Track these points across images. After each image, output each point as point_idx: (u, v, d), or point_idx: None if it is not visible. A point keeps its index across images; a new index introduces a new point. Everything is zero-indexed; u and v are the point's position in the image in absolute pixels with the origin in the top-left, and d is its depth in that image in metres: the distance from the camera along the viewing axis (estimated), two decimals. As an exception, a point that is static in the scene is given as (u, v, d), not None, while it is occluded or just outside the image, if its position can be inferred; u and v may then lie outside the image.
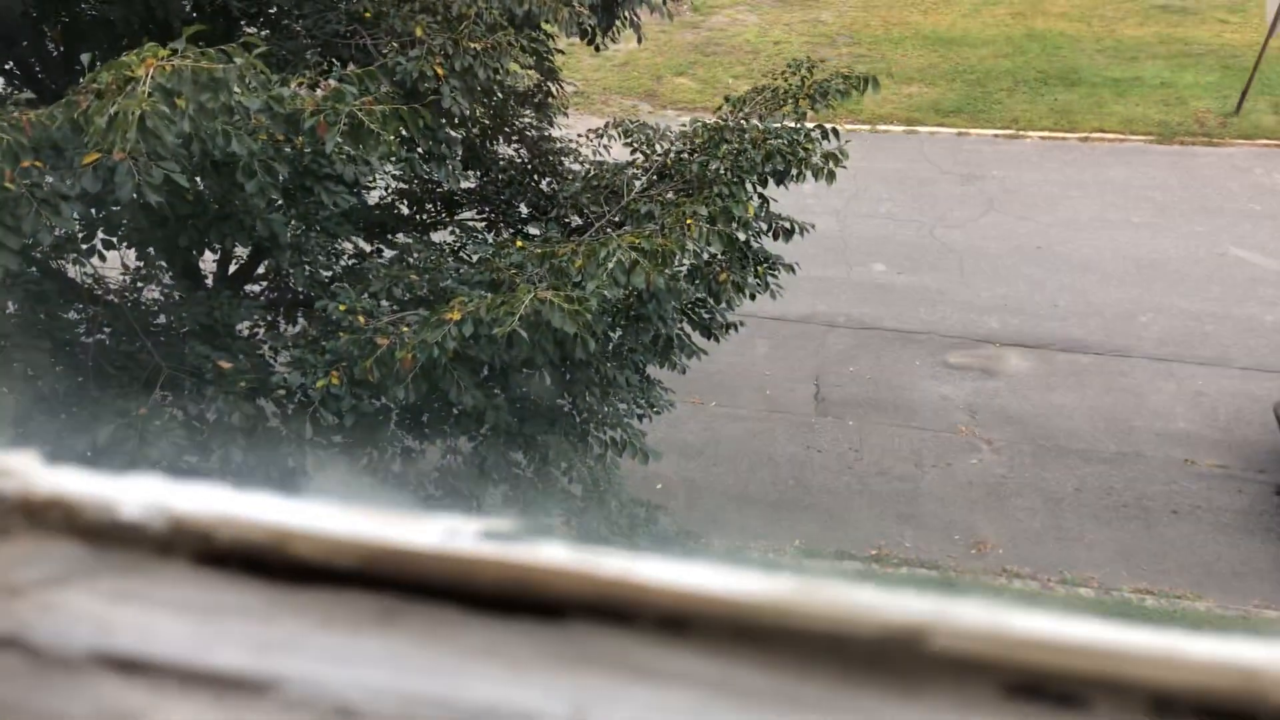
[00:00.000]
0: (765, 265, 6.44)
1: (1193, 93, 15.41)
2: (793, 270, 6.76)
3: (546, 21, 6.18)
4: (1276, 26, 13.99)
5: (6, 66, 5.91)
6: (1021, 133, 14.67)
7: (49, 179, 3.61)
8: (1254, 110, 14.72)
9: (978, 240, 12.28)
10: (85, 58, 4.35)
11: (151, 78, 3.27)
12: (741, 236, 6.04)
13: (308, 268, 5.30)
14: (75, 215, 3.61)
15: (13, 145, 3.37)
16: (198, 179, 4.43)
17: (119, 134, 3.27)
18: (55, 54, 5.76)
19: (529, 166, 7.81)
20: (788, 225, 6.36)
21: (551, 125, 8.12)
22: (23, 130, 3.51)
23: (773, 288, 6.54)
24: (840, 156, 5.85)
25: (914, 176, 13.66)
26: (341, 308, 4.55)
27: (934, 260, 12.03)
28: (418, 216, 7.74)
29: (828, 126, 6.06)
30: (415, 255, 5.93)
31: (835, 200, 11.98)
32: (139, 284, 5.62)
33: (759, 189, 6.06)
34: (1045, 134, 14.64)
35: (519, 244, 5.45)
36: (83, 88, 3.61)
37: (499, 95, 7.31)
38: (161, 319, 5.42)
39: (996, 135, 14.67)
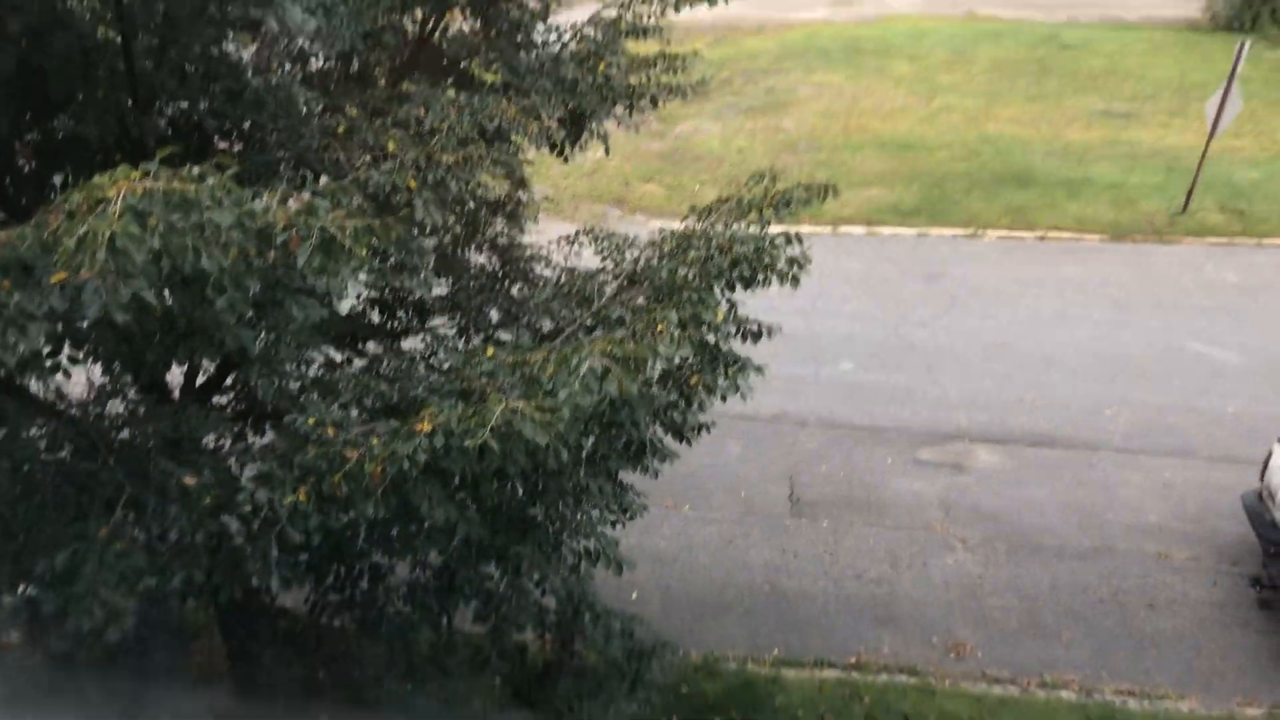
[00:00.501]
0: (735, 367, 6.48)
1: (1141, 193, 16.01)
2: (761, 372, 6.81)
3: (517, 134, 6.33)
4: (1217, 130, 14.67)
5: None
6: (980, 232, 15.10)
7: (16, 298, 3.58)
8: (1200, 209, 15.29)
9: (943, 338, 12.48)
10: (58, 178, 4.38)
11: (123, 199, 3.29)
12: (711, 339, 6.09)
13: (276, 380, 5.25)
14: (41, 335, 3.57)
15: (-20, 266, 3.36)
16: (166, 294, 4.42)
17: (88, 254, 3.27)
18: (27, 171, 5.80)
19: (500, 273, 7.89)
20: (755, 328, 6.43)
21: (522, 232, 8.24)
22: (-9, 251, 3.50)
23: (742, 389, 6.57)
24: (804, 262, 5.97)
25: (877, 276, 13.96)
26: (310, 421, 4.50)
27: (900, 358, 12.19)
28: (389, 324, 7.75)
29: (791, 232, 6.19)
30: (386, 364, 5.91)
31: (802, 301, 12.14)
32: (103, 398, 5.54)
33: (727, 294, 6.15)
34: (1003, 233, 15.07)
35: (489, 351, 5.45)
36: (54, 208, 3.62)
37: (470, 204, 7.44)
38: (125, 434, 5.32)
39: (956, 235, 15.08)
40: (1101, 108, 20.15)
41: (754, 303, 6.83)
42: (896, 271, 14.07)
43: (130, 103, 5.50)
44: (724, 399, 6.43)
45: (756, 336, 6.46)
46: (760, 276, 6.01)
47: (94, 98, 5.36)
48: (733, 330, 6.28)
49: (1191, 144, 16.94)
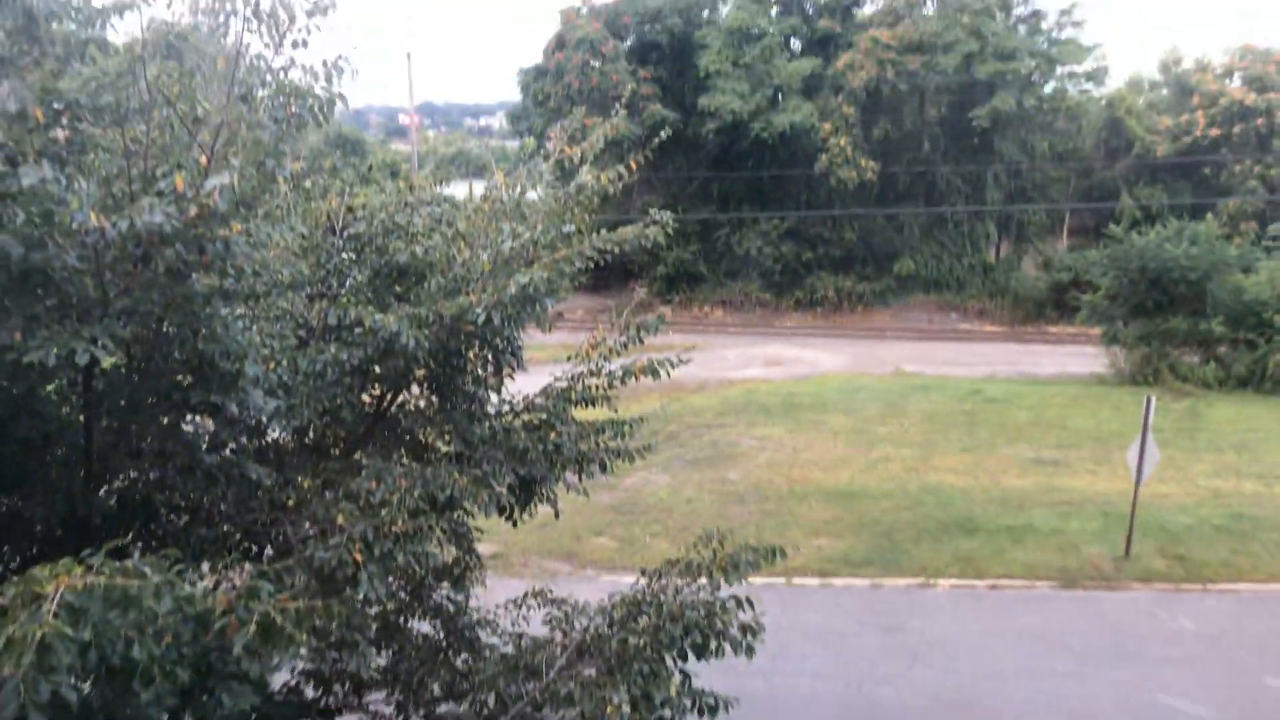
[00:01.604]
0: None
1: (1082, 538, 16.38)
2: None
3: (468, 503, 6.41)
4: (1141, 479, 15.39)
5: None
6: (931, 581, 15.12)
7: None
8: (1143, 554, 15.61)
9: (908, 695, 12.02)
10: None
11: (61, 596, 3.21)
12: (667, 715, 5.81)
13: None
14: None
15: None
16: (86, 686, 4.16)
17: (14, 656, 3.12)
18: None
19: (444, 642, 7.62)
20: (712, 701, 6.17)
21: (468, 598, 8.08)
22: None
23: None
24: (757, 629, 5.89)
25: (835, 630, 13.69)
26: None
27: None
28: (324, 700, 7.30)
29: (743, 597, 6.17)
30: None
31: (760, 659, 11.78)
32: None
33: (679, 663, 5.98)
34: (954, 582, 15.10)
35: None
36: (-16, 602, 3.50)
37: (417, 572, 7.34)
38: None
39: (909, 584, 15.07)
40: (1032, 456, 21.19)
41: (713, 664, 6.61)
42: (854, 624, 13.84)
43: (81, 481, 5.54)
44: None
45: (714, 710, 6.17)
46: (713, 644, 5.90)
47: (45, 478, 5.39)
48: (688, 705, 6.01)
49: (1120, 489, 17.67)
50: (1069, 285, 38.73)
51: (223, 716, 5.06)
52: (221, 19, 4.97)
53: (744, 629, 5.89)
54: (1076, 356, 32.85)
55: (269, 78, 4.92)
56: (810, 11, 43.28)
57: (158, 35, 5.26)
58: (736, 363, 32.92)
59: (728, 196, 44.59)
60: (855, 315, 42.19)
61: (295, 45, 4.97)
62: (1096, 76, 42.77)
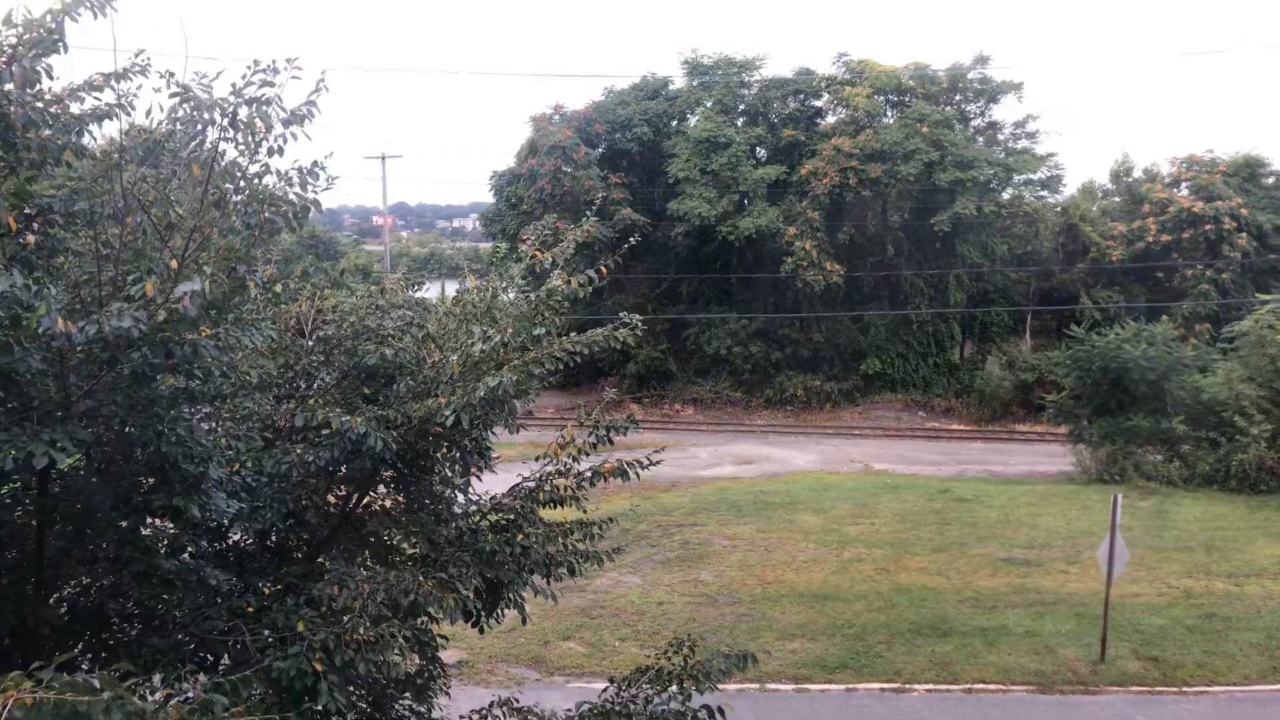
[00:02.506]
0: None
1: (1057, 640, 16.23)
2: None
3: (433, 608, 6.26)
4: (1111, 578, 15.38)
5: None
6: (907, 686, 14.85)
7: None
8: (1118, 657, 15.47)
9: (885, 807, 11.66)
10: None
11: (9, 711, 3.08)
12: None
13: None
14: None
15: None
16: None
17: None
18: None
19: (406, 759, 7.33)
20: (685, 816, 5.96)
21: (431, 709, 7.81)
22: None
23: None
24: (731, 741, 5.74)
25: (811, 738, 13.35)
26: None
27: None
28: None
29: (714, 706, 6.03)
30: None
31: (733, 769, 11.45)
32: None
33: (651, 778, 5.79)
34: (930, 686, 14.84)
35: None
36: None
37: (379, 682, 7.11)
38: None
39: (884, 689, 14.79)
40: (1003, 555, 21.14)
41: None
42: (829, 732, 13.51)
43: (31, 588, 5.37)
44: None
45: (686, 825, 5.96)
46: (685, 756, 5.72)
47: (-5, 586, 5.22)
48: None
49: (1092, 589, 17.61)
50: (1034, 384, 39.38)
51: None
52: (199, 127, 5.07)
53: (717, 742, 5.74)
54: (1044, 455, 33.16)
55: (243, 183, 5.01)
56: (775, 121, 44.82)
57: (134, 141, 5.34)
58: (708, 460, 32.86)
59: (697, 296, 45.28)
60: (824, 413, 42.46)
61: (270, 153, 5.07)
62: (1051, 185, 44.51)
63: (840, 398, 43.04)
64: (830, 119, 44.63)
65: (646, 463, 6.84)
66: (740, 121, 44.52)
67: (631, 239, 10.40)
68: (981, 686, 14.81)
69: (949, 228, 40.63)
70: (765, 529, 23.38)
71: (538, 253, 7.37)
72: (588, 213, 7.81)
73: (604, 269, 6.84)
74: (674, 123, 45.01)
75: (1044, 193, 44.77)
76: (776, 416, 42.43)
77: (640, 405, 40.16)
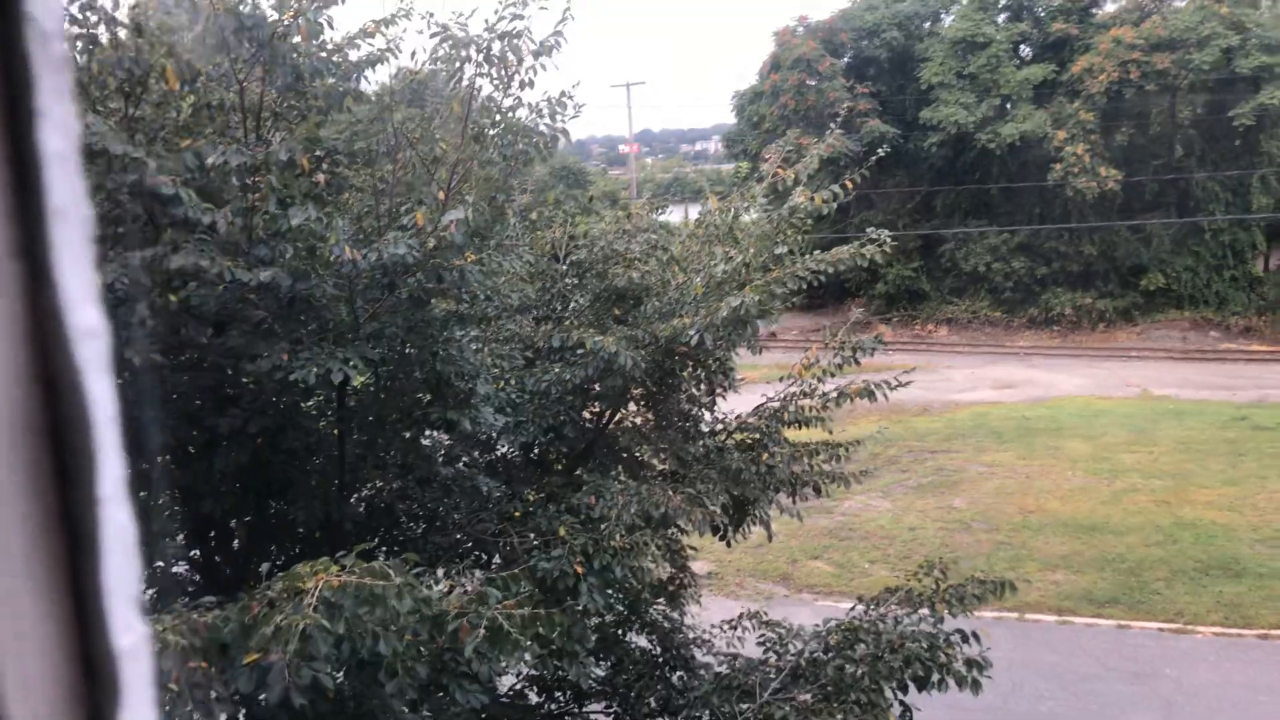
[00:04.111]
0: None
1: (1376, 586, 14.33)
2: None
3: (681, 521, 6.51)
4: None
5: (193, 555, 6.57)
6: (1189, 627, 13.71)
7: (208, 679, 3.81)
8: None
9: (1159, 750, 10.96)
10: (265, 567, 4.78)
11: (319, 592, 3.56)
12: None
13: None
14: (224, 717, 3.75)
15: (185, 649, 3.63)
16: (339, 676, 4.58)
17: (280, 643, 3.49)
18: (238, 549, 6.39)
19: (660, 658, 7.74)
20: (934, 737, 5.91)
21: (683, 615, 8.17)
22: (197, 633, 3.80)
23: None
24: (984, 664, 5.58)
25: (1074, 672, 12.71)
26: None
27: (1111, 772, 10.70)
28: (546, 705, 7.61)
29: (968, 630, 5.87)
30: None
31: (989, 696, 11.13)
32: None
33: (899, 695, 5.77)
34: (1217, 629, 13.62)
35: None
36: (257, 594, 3.94)
37: (634, 587, 7.52)
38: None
39: (1161, 629, 13.74)
40: (1311, 491, 18.80)
41: (938, 698, 6.32)
42: (1097, 668, 12.79)
43: (335, 489, 6.12)
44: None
45: (935, 747, 5.91)
46: (935, 678, 5.65)
47: (306, 485, 5.99)
48: (908, 739, 5.79)
49: None
50: (1357, 298, 34.19)
51: (455, 713, 5.41)
52: (456, 65, 5.38)
53: (970, 664, 5.61)
54: (1368, 379, 28.90)
55: (498, 117, 5.28)
56: (1041, 15, 40.93)
57: (403, 83, 5.77)
58: (963, 384, 31.39)
59: (953, 210, 42.77)
60: (1095, 334, 39.14)
61: (522, 85, 5.30)
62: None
63: (1115, 316, 39.43)
64: (1109, 7, 40.11)
65: (895, 383, 6.66)
66: (1001, 18, 41.03)
67: (880, 151, 9.98)
68: (1279, 633, 13.40)
69: (1252, 121, 35.56)
70: (1026, 456, 22.13)
71: (780, 170, 7.25)
72: (832, 125, 7.57)
73: (849, 184, 6.62)
74: (927, 24, 42.23)
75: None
76: (1040, 337, 39.65)
77: (889, 326, 38.86)
